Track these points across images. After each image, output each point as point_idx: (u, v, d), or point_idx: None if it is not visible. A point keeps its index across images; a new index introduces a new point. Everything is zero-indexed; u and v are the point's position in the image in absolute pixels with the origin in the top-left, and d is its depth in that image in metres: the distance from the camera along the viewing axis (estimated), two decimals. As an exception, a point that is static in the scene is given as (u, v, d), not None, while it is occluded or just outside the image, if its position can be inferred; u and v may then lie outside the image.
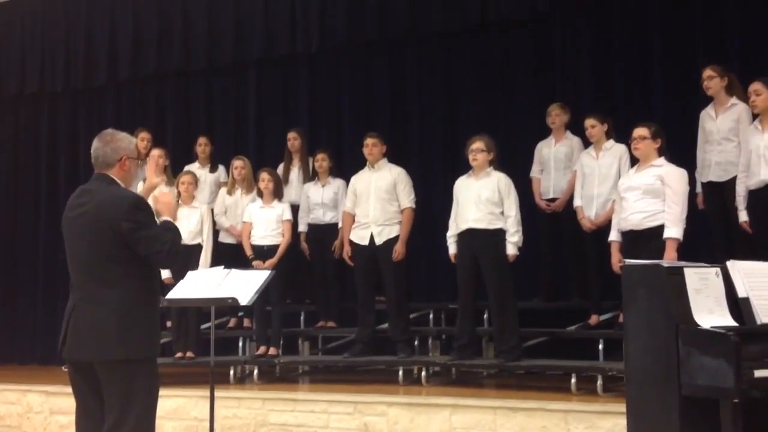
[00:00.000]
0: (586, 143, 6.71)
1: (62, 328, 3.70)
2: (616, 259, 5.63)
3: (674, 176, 5.47)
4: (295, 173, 7.86)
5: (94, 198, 3.67)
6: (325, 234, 7.51)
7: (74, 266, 3.71)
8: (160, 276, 3.92)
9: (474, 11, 7.68)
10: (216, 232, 7.60)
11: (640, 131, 5.58)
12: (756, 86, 5.71)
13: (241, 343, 7.69)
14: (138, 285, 3.63)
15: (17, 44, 9.80)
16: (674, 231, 5.36)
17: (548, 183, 7.04)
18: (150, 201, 3.87)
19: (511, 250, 6.27)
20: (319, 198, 7.52)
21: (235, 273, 5.25)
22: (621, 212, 5.66)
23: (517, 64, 7.84)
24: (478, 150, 6.37)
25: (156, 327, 3.79)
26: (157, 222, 3.73)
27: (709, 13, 7.03)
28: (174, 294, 5.23)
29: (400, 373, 6.64)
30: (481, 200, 6.30)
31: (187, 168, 7.78)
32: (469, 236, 6.34)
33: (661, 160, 5.54)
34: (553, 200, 6.99)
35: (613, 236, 5.74)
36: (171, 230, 3.71)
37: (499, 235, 6.29)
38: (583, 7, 7.45)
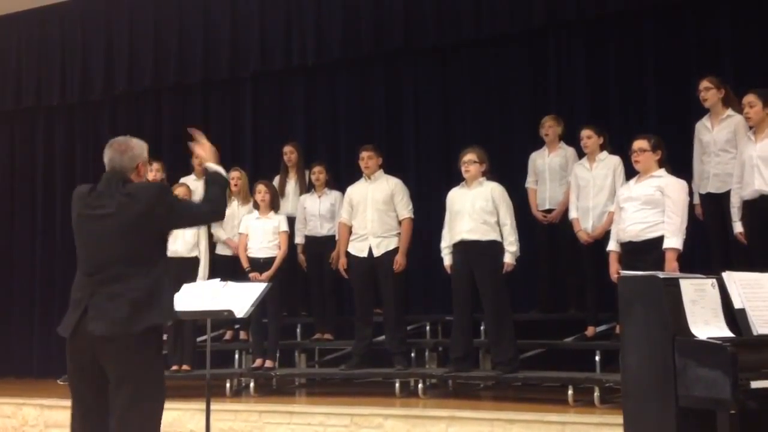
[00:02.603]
0: (581, 154, 6.72)
1: (73, 313, 3.65)
2: (614, 269, 5.62)
3: (674, 187, 5.47)
4: (291, 186, 7.87)
5: (117, 198, 3.71)
6: (322, 246, 7.51)
7: (96, 265, 3.67)
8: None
9: (469, 25, 7.72)
10: (213, 245, 7.60)
11: (639, 144, 5.57)
12: (750, 98, 5.72)
13: (237, 356, 7.69)
14: (161, 272, 3.71)
15: (13, 58, 9.81)
16: (674, 241, 5.36)
17: (544, 194, 7.04)
18: None
19: (509, 259, 6.29)
20: (316, 210, 7.53)
21: (232, 285, 5.25)
22: (620, 223, 5.66)
23: (513, 77, 7.86)
24: (470, 161, 6.39)
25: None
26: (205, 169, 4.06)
27: (702, 27, 7.08)
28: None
29: (397, 385, 6.63)
30: (475, 210, 6.30)
31: (182, 180, 7.78)
32: (463, 248, 6.34)
33: (662, 171, 5.55)
34: (549, 211, 6.99)
35: (612, 246, 5.74)
36: (213, 183, 3.95)
37: (494, 246, 6.30)
38: (577, 21, 7.47)
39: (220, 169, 4.00)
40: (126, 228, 3.65)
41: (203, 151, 4.09)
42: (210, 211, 3.94)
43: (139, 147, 3.88)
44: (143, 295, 3.60)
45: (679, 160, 6.06)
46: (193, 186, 7.71)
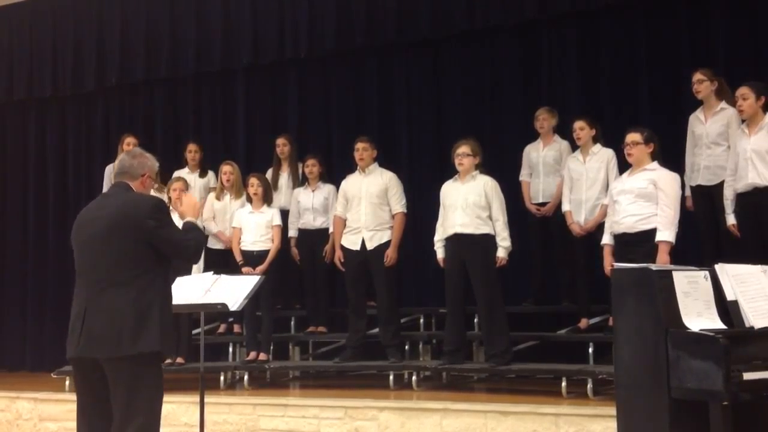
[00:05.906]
0: (575, 147, 6.72)
1: (74, 328, 3.75)
2: (608, 263, 5.61)
3: (667, 180, 5.48)
4: (284, 178, 7.86)
5: (114, 202, 3.85)
6: (315, 239, 7.50)
7: (87, 267, 3.80)
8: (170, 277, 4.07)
9: (462, 18, 7.71)
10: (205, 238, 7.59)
11: (632, 137, 5.57)
12: (743, 91, 5.73)
13: (231, 349, 7.68)
14: (152, 284, 3.74)
15: (5, 50, 9.76)
16: (667, 234, 5.37)
17: (537, 187, 7.05)
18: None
19: (502, 253, 6.29)
20: (309, 203, 7.52)
21: (225, 279, 5.24)
22: (613, 215, 5.66)
23: (505, 69, 7.86)
24: (464, 154, 6.39)
25: (169, 326, 3.83)
26: (182, 222, 4.03)
27: (694, 20, 7.08)
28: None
29: (391, 377, 6.63)
30: (468, 204, 6.30)
31: (176, 174, 7.76)
32: (456, 241, 6.35)
33: (654, 165, 5.55)
34: (542, 204, 7.00)
35: (606, 240, 5.73)
36: (194, 229, 4.01)
37: (487, 240, 6.30)
38: (570, 14, 7.47)
39: (199, 223, 4.19)
40: (114, 230, 3.73)
41: (186, 207, 4.18)
42: (193, 247, 3.90)
43: (151, 161, 4.05)
44: (131, 318, 3.64)
45: (671, 153, 6.07)
46: (188, 179, 7.70)
